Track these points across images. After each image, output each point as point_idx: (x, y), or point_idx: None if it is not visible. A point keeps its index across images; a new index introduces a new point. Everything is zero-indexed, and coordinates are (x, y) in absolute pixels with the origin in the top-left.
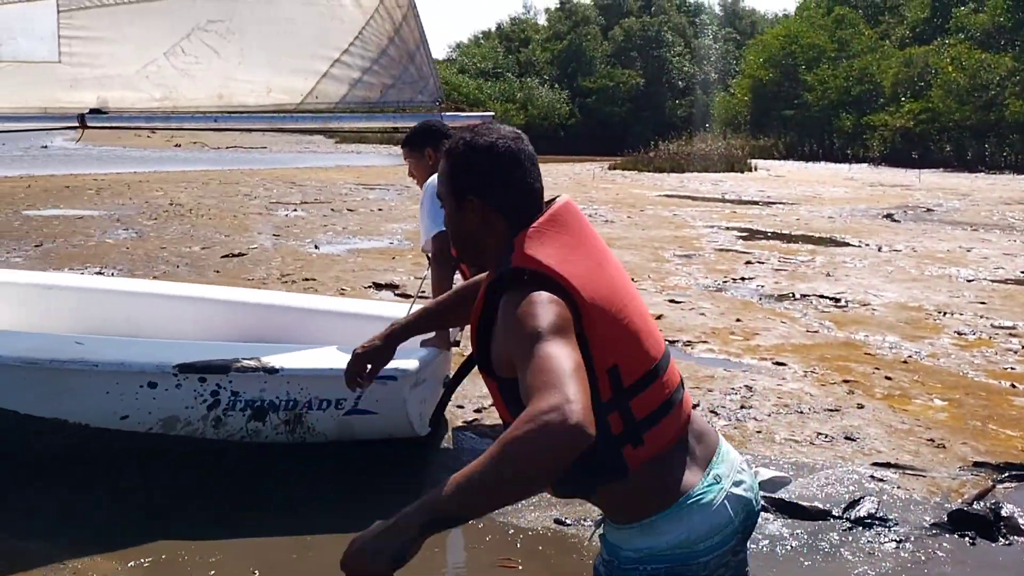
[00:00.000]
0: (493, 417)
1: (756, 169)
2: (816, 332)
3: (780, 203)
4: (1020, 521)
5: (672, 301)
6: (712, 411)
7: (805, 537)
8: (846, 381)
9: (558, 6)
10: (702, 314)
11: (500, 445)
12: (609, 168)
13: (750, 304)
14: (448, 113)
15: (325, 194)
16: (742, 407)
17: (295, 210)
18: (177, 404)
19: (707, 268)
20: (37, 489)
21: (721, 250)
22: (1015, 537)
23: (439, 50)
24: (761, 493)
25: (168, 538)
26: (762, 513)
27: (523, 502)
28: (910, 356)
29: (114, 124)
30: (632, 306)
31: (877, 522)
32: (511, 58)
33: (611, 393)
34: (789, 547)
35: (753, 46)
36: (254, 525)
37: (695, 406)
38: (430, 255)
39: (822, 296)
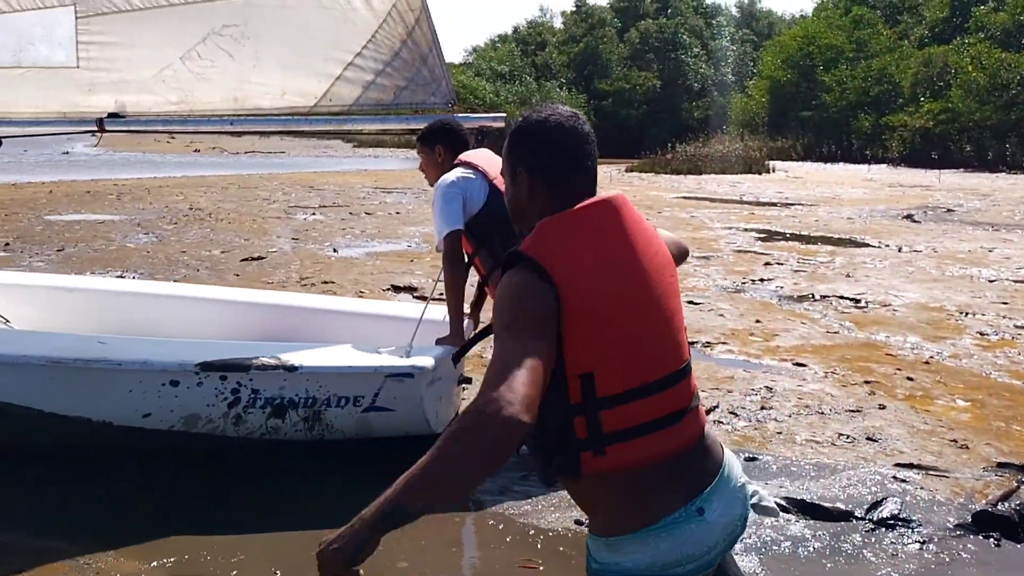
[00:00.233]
0: None
1: (774, 170)
2: (836, 333)
3: (799, 204)
4: None
5: (691, 303)
6: (732, 412)
7: (827, 538)
8: (867, 382)
9: (574, 9)
10: (721, 315)
11: (443, 439)
12: (626, 170)
13: (769, 305)
14: (461, 114)
15: (343, 198)
16: (762, 408)
17: (313, 214)
18: (198, 402)
19: (726, 269)
20: (56, 488)
21: (740, 251)
22: None
23: (456, 54)
24: (775, 499)
25: (190, 533)
26: (784, 514)
27: (544, 503)
28: (932, 357)
29: (131, 128)
30: (643, 320)
31: (900, 523)
32: (527, 61)
33: (580, 398)
34: (811, 549)
35: (770, 47)
36: (273, 522)
37: (712, 409)
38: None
39: (842, 297)
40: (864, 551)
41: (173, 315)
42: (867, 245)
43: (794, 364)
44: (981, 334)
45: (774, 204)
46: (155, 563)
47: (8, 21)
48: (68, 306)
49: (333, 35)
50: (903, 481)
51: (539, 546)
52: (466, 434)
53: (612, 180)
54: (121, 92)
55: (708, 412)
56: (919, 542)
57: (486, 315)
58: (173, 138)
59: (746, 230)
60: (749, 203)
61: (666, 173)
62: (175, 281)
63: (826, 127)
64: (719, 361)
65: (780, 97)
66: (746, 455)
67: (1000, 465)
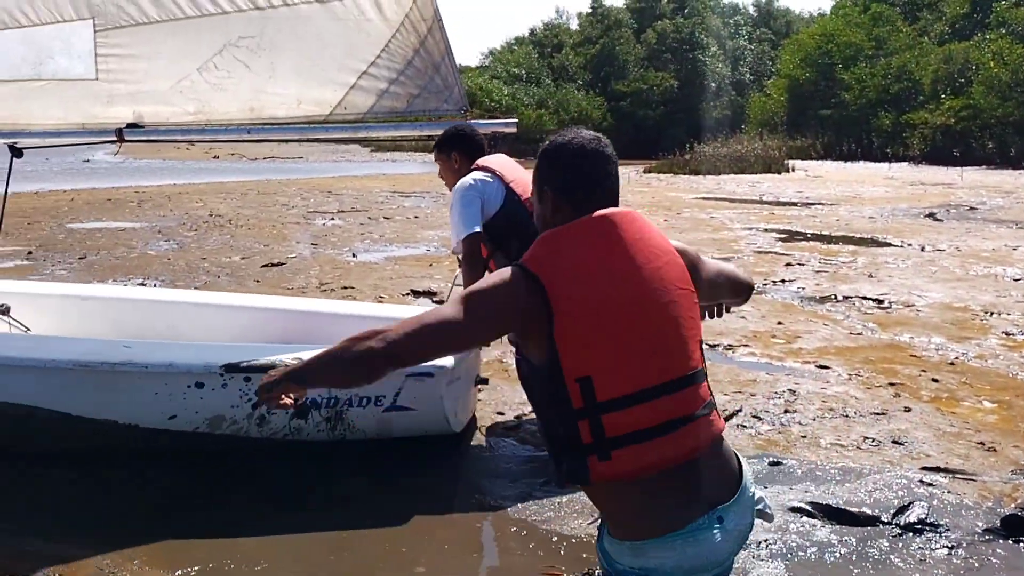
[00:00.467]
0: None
1: (794, 170)
2: (860, 334)
3: (819, 204)
4: None
5: None
6: (755, 416)
7: (854, 544)
8: (892, 384)
9: (590, 11)
10: (742, 317)
11: (342, 341)
12: (644, 171)
13: (791, 306)
14: (474, 120)
15: (361, 202)
16: (786, 411)
17: (332, 219)
18: (223, 403)
19: (746, 271)
20: (75, 492)
21: (760, 252)
22: None
23: (473, 57)
24: (801, 503)
25: (211, 537)
26: (810, 519)
27: (567, 508)
28: (957, 357)
29: (150, 138)
30: (643, 326)
31: (928, 528)
32: (544, 63)
33: (582, 403)
34: (838, 554)
35: (789, 45)
36: (293, 524)
37: (736, 412)
38: (460, 257)
39: (865, 297)
40: (891, 557)
41: (190, 322)
42: (889, 244)
43: (817, 366)
44: (1007, 334)
45: (794, 204)
46: (180, 572)
47: (28, 35)
48: (86, 314)
49: (347, 45)
50: (930, 485)
51: (562, 552)
52: (348, 345)
53: (631, 181)
54: (139, 103)
55: (731, 416)
56: (947, 547)
57: None
58: (192, 145)
59: (766, 230)
60: (769, 203)
61: (684, 174)
62: (196, 287)
63: (846, 125)
64: (741, 364)
65: (799, 96)
66: (770, 459)
67: None
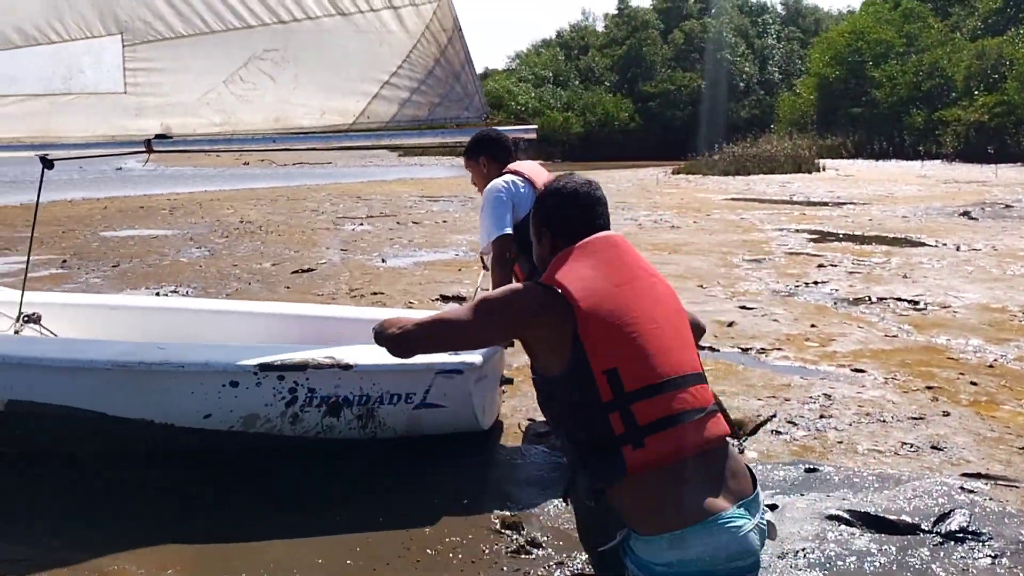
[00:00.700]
0: None
1: (824, 169)
2: (895, 337)
3: (851, 203)
4: None
5: (743, 307)
6: (790, 421)
7: (894, 552)
8: (929, 387)
9: (616, 12)
10: (775, 320)
11: (383, 321)
12: (673, 172)
13: (824, 309)
14: (494, 127)
15: (390, 207)
16: (821, 416)
17: (361, 224)
18: (257, 402)
19: (778, 272)
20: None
21: (792, 253)
22: None
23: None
24: (838, 511)
25: (224, 541)
26: (848, 527)
27: None
28: (996, 360)
29: (178, 148)
30: (648, 325)
31: (970, 536)
32: (571, 65)
33: (611, 395)
34: (878, 563)
35: (818, 44)
36: (314, 526)
37: (770, 418)
38: (487, 258)
39: (900, 299)
40: (933, 566)
41: (216, 330)
42: (924, 244)
43: (852, 370)
44: None
45: (825, 204)
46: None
47: (59, 51)
48: (113, 323)
49: (369, 56)
50: (971, 492)
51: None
52: (384, 327)
53: (659, 183)
54: (167, 115)
55: (765, 422)
56: (990, 556)
57: None
58: (222, 152)
59: (797, 231)
60: (800, 203)
61: (713, 174)
62: (227, 295)
63: (877, 123)
64: (775, 368)
65: (829, 94)
66: (806, 466)
67: None
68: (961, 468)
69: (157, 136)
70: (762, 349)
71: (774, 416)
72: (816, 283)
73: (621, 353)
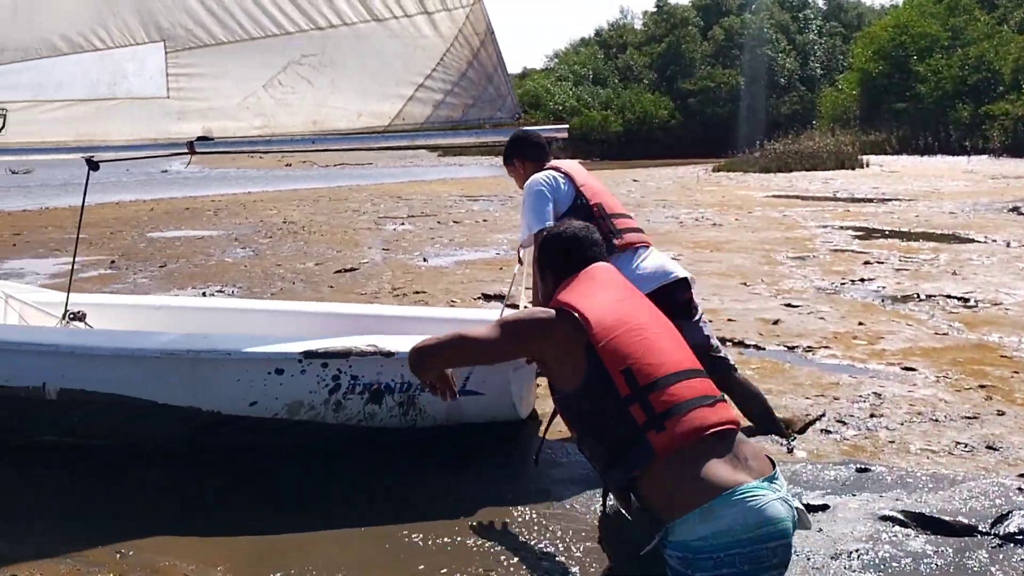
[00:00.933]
0: None
1: (868, 165)
2: (945, 334)
3: (896, 200)
4: None
5: (788, 305)
6: (840, 421)
7: (951, 554)
8: (982, 386)
9: (655, 9)
10: (821, 318)
11: (453, 335)
12: (713, 170)
13: (871, 306)
14: (527, 127)
15: (431, 207)
16: (872, 416)
17: (402, 224)
18: (302, 389)
19: (823, 270)
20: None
21: (836, 251)
22: None
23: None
24: (892, 512)
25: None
26: (903, 528)
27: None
28: None
29: (219, 149)
30: (648, 331)
31: None
32: (610, 64)
33: (629, 390)
34: (934, 565)
35: (860, 39)
36: (347, 518)
37: (819, 418)
38: (524, 252)
39: (949, 296)
40: (992, 568)
41: (258, 329)
42: (972, 241)
43: (902, 368)
44: None
45: (870, 200)
46: (221, 567)
47: (104, 57)
48: (156, 323)
49: (404, 60)
50: None
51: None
52: (421, 344)
53: (699, 180)
54: (208, 119)
55: (814, 421)
56: None
57: None
58: (264, 154)
59: (842, 228)
60: (843, 200)
61: (755, 171)
62: (272, 295)
63: (922, 119)
64: (822, 366)
65: (872, 89)
66: (857, 466)
67: None
68: (1018, 468)
69: (199, 138)
70: (809, 347)
71: (823, 415)
72: (862, 280)
73: (631, 353)
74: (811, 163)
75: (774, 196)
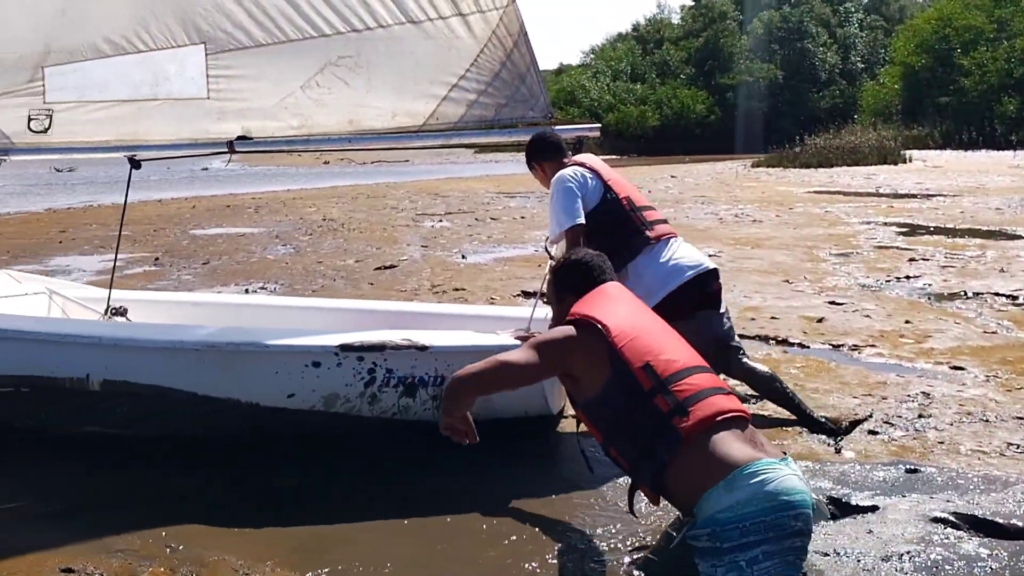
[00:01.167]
0: None
1: (911, 160)
2: (994, 333)
3: (941, 195)
4: None
5: (832, 303)
6: (887, 421)
7: (1006, 558)
8: None
9: (692, 4)
10: (867, 316)
11: (491, 361)
12: (752, 166)
13: (918, 304)
14: (559, 126)
15: (468, 204)
16: (920, 416)
17: (440, 220)
18: (338, 382)
19: (867, 267)
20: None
21: (881, 247)
22: None
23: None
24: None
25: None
26: (955, 531)
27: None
28: None
29: (258, 149)
30: (660, 335)
31: None
32: (647, 59)
33: (651, 383)
34: (988, 569)
35: (903, 32)
36: (379, 510)
37: (866, 418)
38: (554, 248)
39: (997, 294)
40: None
41: (293, 324)
42: (1020, 237)
43: (951, 367)
44: None
45: (914, 196)
46: (270, 562)
47: (146, 59)
48: (196, 319)
49: (438, 61)
50: None
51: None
52: (459, 373)
53: (738, 176)
54: (247, 119)
55: (861, 421)
56: None
57: None
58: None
59: (886, 224)
60: (886, 195)
61: (795, 167)
62: (313, 292)
63: (966, 113)
64: (869, 365)
65: (915, 83)
66: (907, 467)
67: None
68: None
69: (239, 138)
70: (854, 346)
71: (870, 415)
72: (908, 277)
73: (649, 351)
74: (852, 158)
75: (815, 192)
